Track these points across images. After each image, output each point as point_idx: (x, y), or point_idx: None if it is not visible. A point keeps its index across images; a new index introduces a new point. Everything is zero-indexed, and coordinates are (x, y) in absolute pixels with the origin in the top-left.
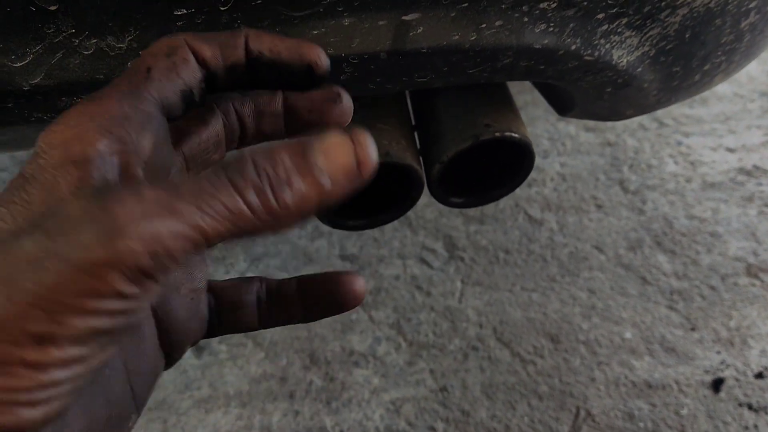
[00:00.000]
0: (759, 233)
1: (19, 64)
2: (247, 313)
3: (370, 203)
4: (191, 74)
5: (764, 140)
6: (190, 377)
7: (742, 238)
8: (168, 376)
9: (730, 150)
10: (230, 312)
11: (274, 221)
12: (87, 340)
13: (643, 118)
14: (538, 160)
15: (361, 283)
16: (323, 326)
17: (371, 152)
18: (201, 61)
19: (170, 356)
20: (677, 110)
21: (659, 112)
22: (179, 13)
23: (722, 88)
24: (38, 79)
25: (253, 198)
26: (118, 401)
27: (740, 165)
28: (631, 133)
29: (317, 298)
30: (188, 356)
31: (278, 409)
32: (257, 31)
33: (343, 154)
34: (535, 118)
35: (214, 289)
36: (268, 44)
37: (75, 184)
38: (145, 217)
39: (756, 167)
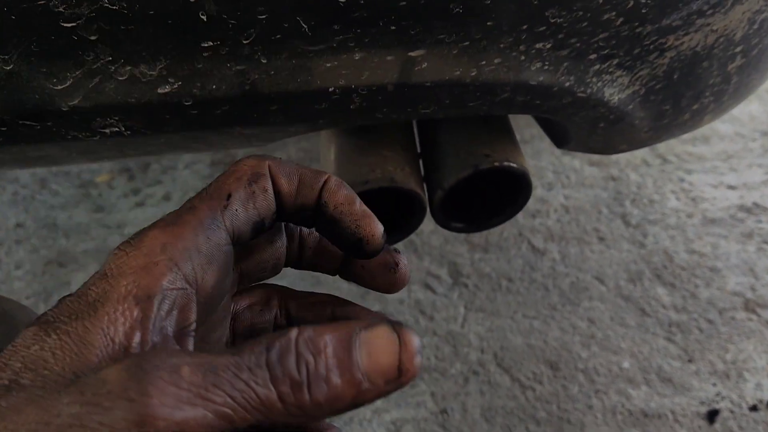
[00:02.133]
0: (757, 269)
1: (60, 87)
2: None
3: None
4: (267, 206)
5: (765, 179)
6: None
7: (740, 273)
8: None
9: (731, 187)
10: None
11: (303, 415)
12: None
13: (647, 155)
14: (542, 192)
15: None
16: None
17: (416, 358)
18: (276, 192)
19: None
20: (680, 147)
21: (662, 149)
22: (206, 45)
23: (724, 127)
24: (76, 101)
25: (287, 391)
26: None
27: (740, 202)
28: (635, 168)
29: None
30: None
31: None
32: (339, 182)
33: (387, 356)
34: (541, 151)
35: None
36: (338, 200)
37: (126, 329)
38: (177, 405)
39: (756, 205)
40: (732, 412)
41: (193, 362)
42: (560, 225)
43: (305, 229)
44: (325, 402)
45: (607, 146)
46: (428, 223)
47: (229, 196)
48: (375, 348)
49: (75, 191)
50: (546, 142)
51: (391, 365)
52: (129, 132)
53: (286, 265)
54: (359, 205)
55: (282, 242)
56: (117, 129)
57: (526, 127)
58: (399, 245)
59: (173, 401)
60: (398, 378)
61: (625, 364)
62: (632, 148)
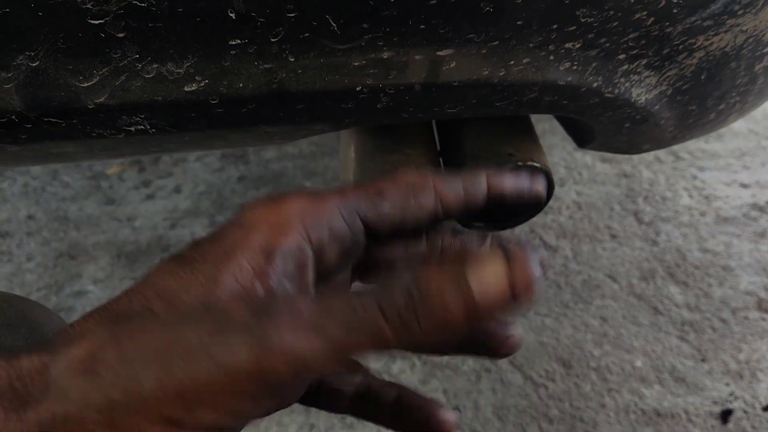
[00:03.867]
0: None
1: (86, 85)
2: (340, 400)
3: None
4: (414, 216)
5: None
6: None
7: (753, 272)
8: None
9: (744, 185)
10: (327, 394)
11: (414, 341)
12: (212, 425)
13: (659, 151)
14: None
15: (451, 420)
16: None
17: (531, 278)
18: (443, 204)
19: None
20: (693, 145)
21: (675, 146)
22: (233, 43)
23: (738, 124)
24: (102, 99)
25: (396, 324)
26: None
27: (754, 201)
28: (647, 165)
29: (409, 418)
30: None
31: (295, 422)
32: (496, 173)
33: (497, 282)
34: (552, 147)
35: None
36: (510, 185)
37: (252, 276)
38: (296, 338)
39: None
40: (746, 412)
41: (310, 301)
42: (572, 222)
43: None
44: (434, 328)
45: (631, 146)
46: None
47: (382, 192)
48: (484, 276)
49: (86, 183)
50: (558, 138)
51: (502, 289)
52: (154, 130)
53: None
54: (515, 173)
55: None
56: (142, 127)
57: (537, 122)
58: None
59: (292, 336)
60: (512, 300)
61: (638, 363)
62: (656, 148)
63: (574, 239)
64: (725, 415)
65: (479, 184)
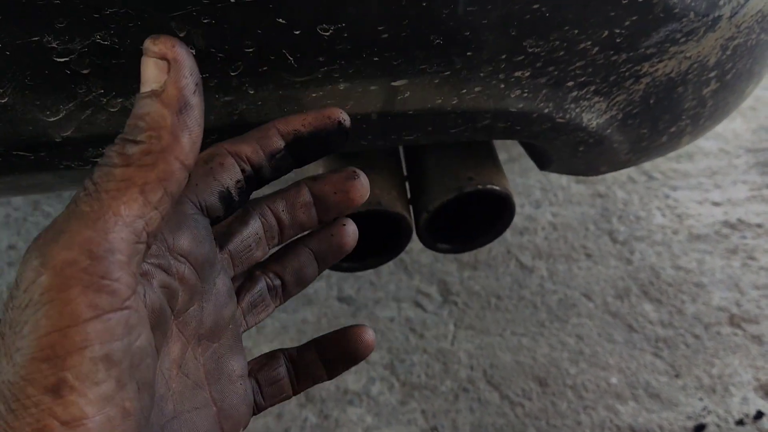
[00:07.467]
0: (742, 284)
1: (53, 119)
2: (283, 386)
3: (364, 247)
4: (227, 176)
5: (749, 195)
6: None
7: (725, 288)
8: None
9: (716, 204)
10: (269, 388)
11: (157, 153)
12: (98, 377)
13: (633, 172)
14: (530, 210)
15: (370, 334)
16: None
17: (162, 40)
18: (244, 159)
19: None
20: (665, 164)
21: (648, 166)
22: None
23: (709, 144)
24: (69, 132)
25: (120, 159)
26: None
27: (725, 218)
28: (621, 185)
29: (335, 355)
30: None
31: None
32: (283, 118)
33: (145, 64)
34: (528, 169)
35: (251, 372)
36: (299, 122)
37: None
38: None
39: (740, 221)
40: (719, 426)
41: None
42: (548, 242)
43: (269, 201)
44: (150, 124)
45: (588, 168)
46: (418, 242)
47: (188, 175)
48: (144, 75)
49: None
50: None
51: (151, 64)
52: None
53: (274, 242)
54: (310, 111)
55: (255, 219)
56: None
57: (513, 146)
58: (389, 264)
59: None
60: (170, 63)
61: (613, 380)
62: (613, 170)
63: (549, 259)
64: (699, 430)
65: (269, 130)
